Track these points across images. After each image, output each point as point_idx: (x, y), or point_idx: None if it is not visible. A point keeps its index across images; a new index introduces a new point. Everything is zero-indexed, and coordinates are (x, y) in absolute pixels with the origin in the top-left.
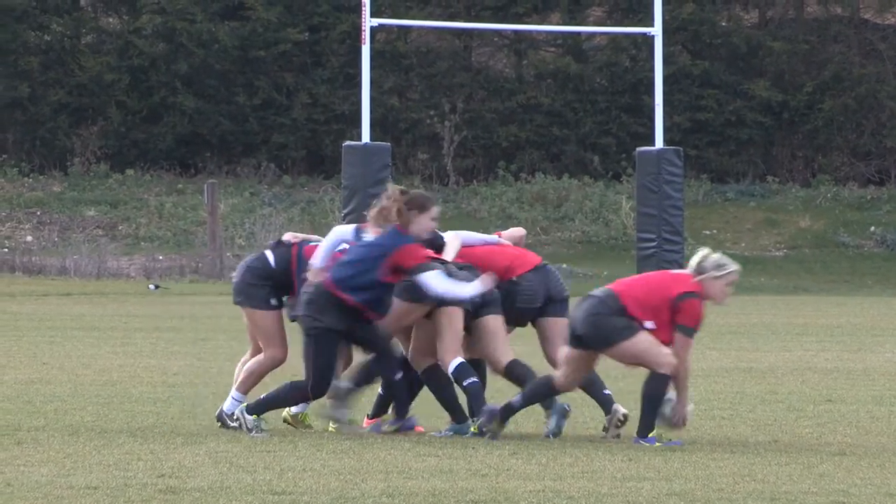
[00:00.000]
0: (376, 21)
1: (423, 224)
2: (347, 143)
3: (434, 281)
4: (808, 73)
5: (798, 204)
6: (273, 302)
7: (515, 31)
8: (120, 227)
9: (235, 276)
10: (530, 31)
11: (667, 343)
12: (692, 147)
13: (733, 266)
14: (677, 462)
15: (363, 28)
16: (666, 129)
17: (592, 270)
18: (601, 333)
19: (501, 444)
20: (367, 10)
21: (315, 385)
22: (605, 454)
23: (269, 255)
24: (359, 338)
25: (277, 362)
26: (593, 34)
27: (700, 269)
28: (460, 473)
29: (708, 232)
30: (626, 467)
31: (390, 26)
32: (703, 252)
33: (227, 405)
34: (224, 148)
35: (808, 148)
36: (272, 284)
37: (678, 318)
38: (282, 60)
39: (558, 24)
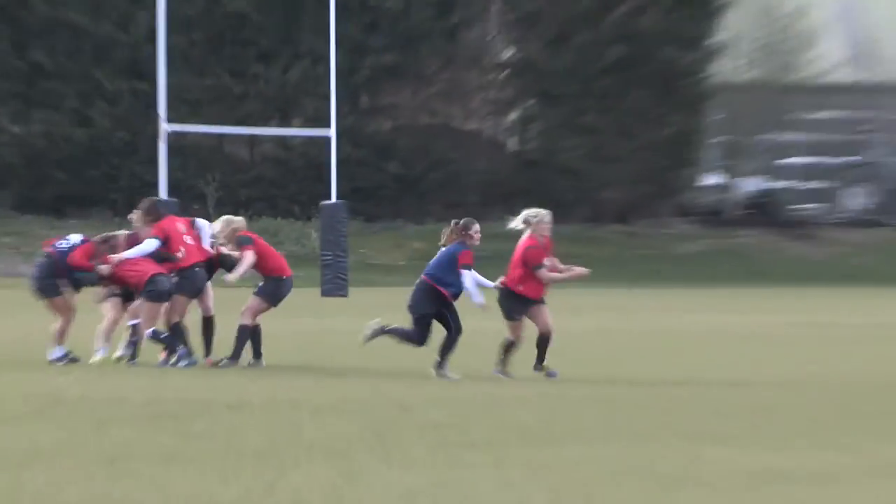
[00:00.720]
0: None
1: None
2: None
3: (467, 279)
4: (421, 158)
5: (413, 233)
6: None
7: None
8: None
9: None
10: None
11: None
12: (355, 200)
13: (543, 212)
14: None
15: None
16: (339, 190)
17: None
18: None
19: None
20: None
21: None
22: None
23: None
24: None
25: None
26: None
27: (527, 222)
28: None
29: (363, 251)
30: None
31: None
32: (523, 213)
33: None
34: None
35: (422, 202)
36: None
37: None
38: None
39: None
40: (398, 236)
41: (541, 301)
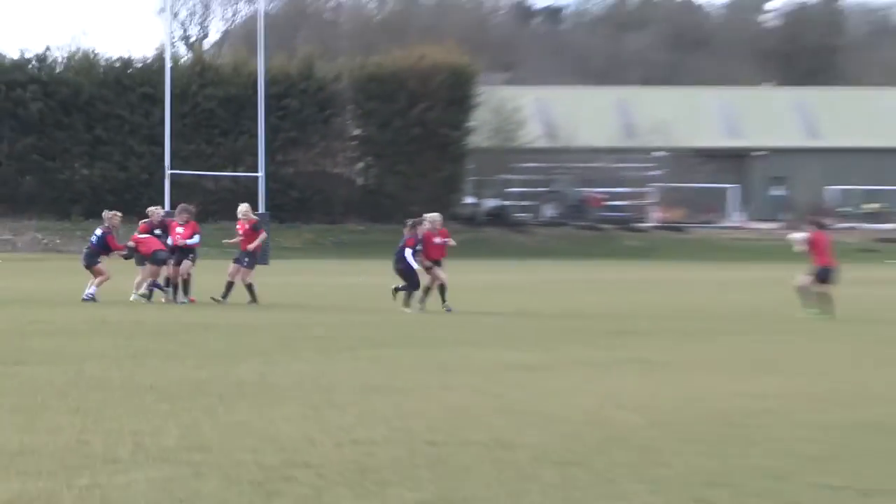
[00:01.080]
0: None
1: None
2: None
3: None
4: (309, 188)
5: (306, 230)
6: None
7: None
8: None
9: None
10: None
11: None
12: (273, 211)
13: (430, 216)
14: None
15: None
16: (265, 206)
17: None
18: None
19: None
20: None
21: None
22: None
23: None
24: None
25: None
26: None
27: (418, 223)
28: None
29: (277, 240)
30: None
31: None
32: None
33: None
34: None
35: (309, 213)
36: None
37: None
38: None
39: None
40: (297, 231)
41: (438, 263)
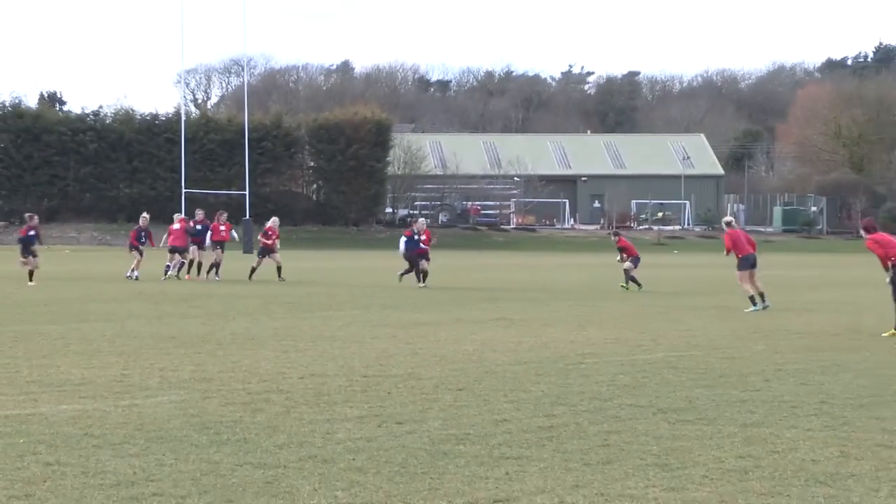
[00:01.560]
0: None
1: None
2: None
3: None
4: (281, 202)
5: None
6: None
7: None
8: None
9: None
10: None
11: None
12: (255, 216)
13: (421, 220)
14: None
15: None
16: (249, 213)
17: None
18: None
19: None
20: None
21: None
22: None
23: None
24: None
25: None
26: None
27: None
28: None
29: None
30: None
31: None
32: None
33: None
34: None
35: (280, 218)
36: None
37: None
38: None
39: None
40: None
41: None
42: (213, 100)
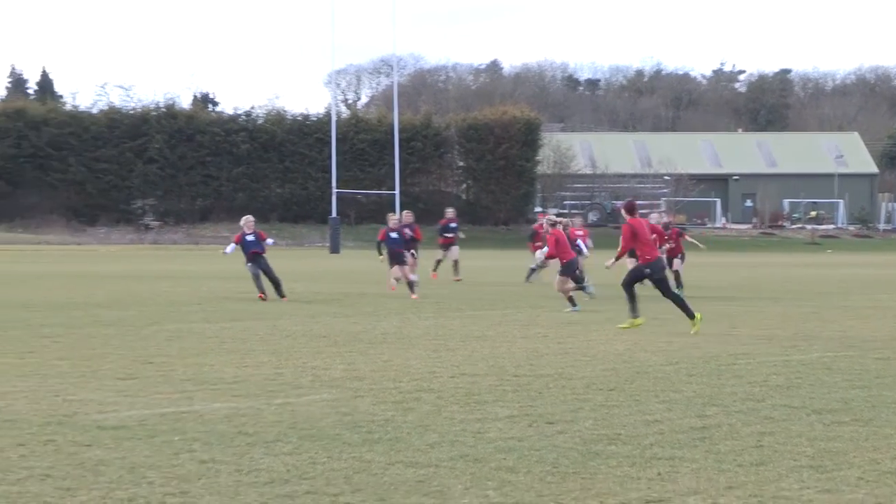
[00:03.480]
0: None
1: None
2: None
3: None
4: (431, 200)
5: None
6: None
7: None
8: None
9: None
10: None
11: None
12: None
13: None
14: None
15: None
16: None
17: None
18: None
19: None
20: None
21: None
22: None
23: None
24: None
25: None
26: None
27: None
28: None
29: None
30: None
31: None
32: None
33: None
34: None
35: (431, 217)
36: None
37: None
38: None
39: None
40: (423, 230)
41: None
42: (363, 100)
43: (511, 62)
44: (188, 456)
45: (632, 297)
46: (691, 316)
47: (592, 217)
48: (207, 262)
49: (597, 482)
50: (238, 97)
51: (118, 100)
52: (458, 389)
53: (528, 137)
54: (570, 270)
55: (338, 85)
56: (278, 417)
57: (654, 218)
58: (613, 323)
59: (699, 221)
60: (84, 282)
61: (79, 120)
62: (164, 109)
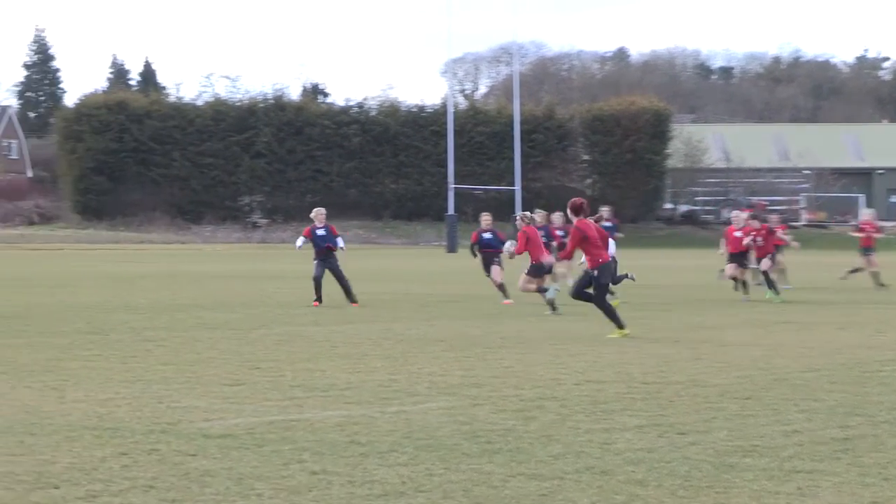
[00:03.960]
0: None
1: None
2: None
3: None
4: (551, 197)
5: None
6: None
7: None
8: None
9: None
10: None
11: None
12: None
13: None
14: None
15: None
16: (521, 207)
17: None
18: None
19: None
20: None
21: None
22: None
23: None
24: None
25: None
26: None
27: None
28: None
29: None
30: None
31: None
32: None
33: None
34: None
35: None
36: None
37: None
38: None
39: None
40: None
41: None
42: (482, 90)
43: (639, 49)
44: (298, 466)
45: (606, 310)
46: (620, 326)
47: (726, 214)
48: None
49: (731, 497)
50: (350, 88)
51: (224, 91)
52: (583, 397)
53: (657, 129)
54: (540, 272)
55: (455, 74)
56: (393, 426)
57: (605, 214)
58: (750, 327)
59: (841, 218)
60: (188, 283)
61: (183, 112)
62: (272, 101)
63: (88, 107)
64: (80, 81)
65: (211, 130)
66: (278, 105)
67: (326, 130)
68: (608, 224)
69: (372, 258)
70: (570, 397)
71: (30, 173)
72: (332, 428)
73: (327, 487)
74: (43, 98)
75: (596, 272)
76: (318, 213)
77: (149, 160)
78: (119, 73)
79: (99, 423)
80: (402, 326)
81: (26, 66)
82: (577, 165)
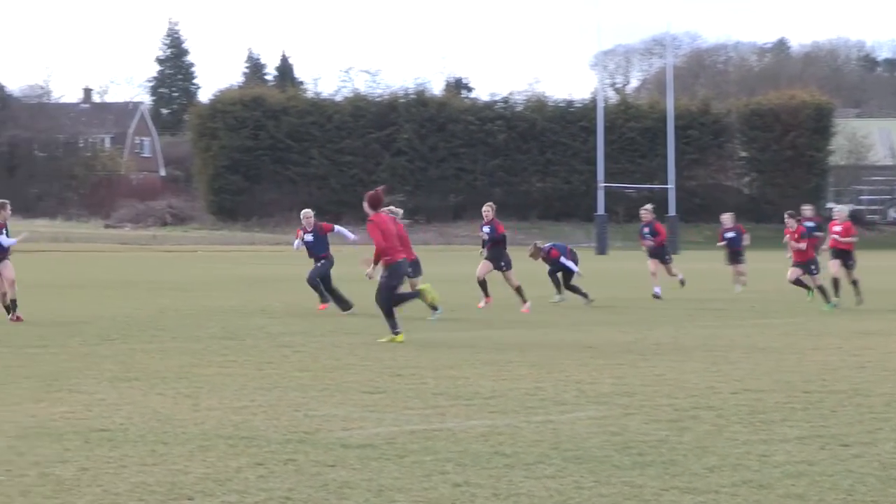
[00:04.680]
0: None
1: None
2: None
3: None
4: (706, 196)
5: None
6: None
7: None
8: None
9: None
10: None
11: None
12: (679, 213)
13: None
14: None
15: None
16: (676, 208)
17: None
18: None
19: None
20: None
21: None
22: None
23: None
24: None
25: None
26: None
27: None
28: None
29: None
30: None
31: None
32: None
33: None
34: None
35: (700, 213)
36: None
37: None
38: None
39: None
40: (699, 229)
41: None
42: (633, 84)
43: (800, 40)
44: (440, 478)
45: (395, 305)
46: (396, 331)
47: (893, 214)
48: (461, 263)
49: None
50: (494, 82)
51: (363, 86)
52: (740, 407)
53: (819, 124)
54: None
55: (605, 67)
56: (539, 437)
57: (808, 213)
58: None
59: None
60: None
61: (321, 108)
62: (413, 96)
63: (223, 103)
64: (214, 76)
65: (350, 127)
66: (420, 100)
67: (470, 127)
68: (810, 224)
69: (520, 260)
70: (726, 407)
71: (162, 172)
72: (475, 438)
73: (471, 500)
74: (176, 94)
75: (386, 272)
76: (304, 216)
77: (285, 158)
78: (255, 68)
79: (234, 431)
80: (548, 332)
81: (159, 61)
82: (734, 163)
